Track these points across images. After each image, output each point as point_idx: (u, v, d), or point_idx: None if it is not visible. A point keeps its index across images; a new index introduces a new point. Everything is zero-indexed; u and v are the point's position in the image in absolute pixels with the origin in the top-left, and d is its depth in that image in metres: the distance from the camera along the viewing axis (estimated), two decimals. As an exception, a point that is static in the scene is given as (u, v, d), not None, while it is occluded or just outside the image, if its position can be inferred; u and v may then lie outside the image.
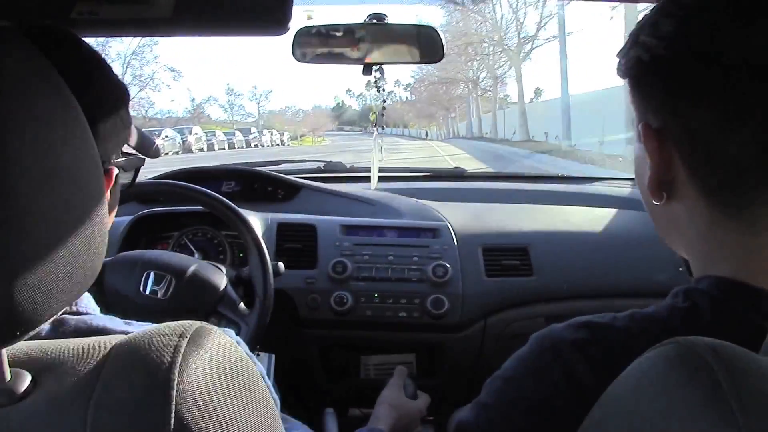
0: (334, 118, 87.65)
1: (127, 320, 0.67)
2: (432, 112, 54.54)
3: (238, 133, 37.94)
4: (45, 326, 0.61)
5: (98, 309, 0.70)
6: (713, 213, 0.58)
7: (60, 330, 0.62)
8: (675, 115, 0.57)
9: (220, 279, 1.36)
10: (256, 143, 38.15)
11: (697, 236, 0.60)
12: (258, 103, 69.45)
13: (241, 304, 1.37)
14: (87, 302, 0.68)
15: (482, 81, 39.41)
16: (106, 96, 0.69)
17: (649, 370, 0.43)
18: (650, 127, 0.60)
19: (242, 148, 34.49)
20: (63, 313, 0.63)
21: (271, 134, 44.81)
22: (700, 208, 0.58)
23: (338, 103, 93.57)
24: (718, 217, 0.57)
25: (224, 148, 32.01)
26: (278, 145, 42.31)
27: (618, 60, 0.64)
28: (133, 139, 0.81)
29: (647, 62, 0.59)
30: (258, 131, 43.55)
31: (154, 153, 0.92)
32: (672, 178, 0.60)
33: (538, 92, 49.50)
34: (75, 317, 0.64)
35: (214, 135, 34.12)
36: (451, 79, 41.26)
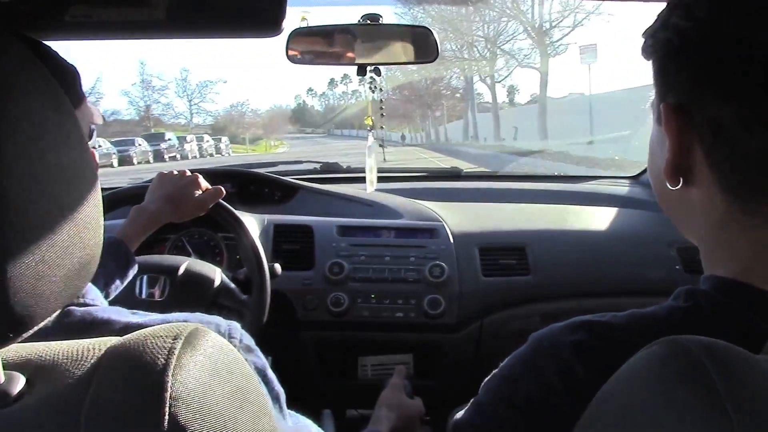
0: (294, 120, 77.12)
1: (134, 311, 0.68)
2: (408, 110, 42.72)
3: (140, 141, 25.99)
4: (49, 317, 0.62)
5: (106, 302, 0.71)
6: (730, 207, 0.56)
7: (65, 321, 0.63)
8: (700, 103, 0.56)
9: (214, 271, 1.37)
10: (174, 153, 27.62)
11: (711, 227, 0.59)
12: (189, 101, 51.01)
13: (239, 292, 1.38)
14: (94, 294, 0.69)
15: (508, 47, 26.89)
16: (73, 87, 0.70)
17: (642, 369, 0.43)
18: (672, 108, 0.58)
19: (148, 162, 23.35)
20: (69, 305, 0.64)
21: (201, 141, 33.69)
22: (717, 198, 0.57)
23: (299, 104, 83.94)
24: (734, 211, 0.56)
25: (111, 165, 20.44)
26: (211, 155, 32.53)
27: (644, 40, 0.62)
28: (97, 115, 0.81)
29: (677, 45, 0.57)
30: (177, 137, 31.24)
31: (101, 119, 0.92)
32: (690, 163, 0.58)
33: (512, 90, 40.84)
34: (81, 309, 0.65)
35: (97, 145, 21.08)
36: (445, 60, 29.64)
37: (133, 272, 1.13)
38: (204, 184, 1.33)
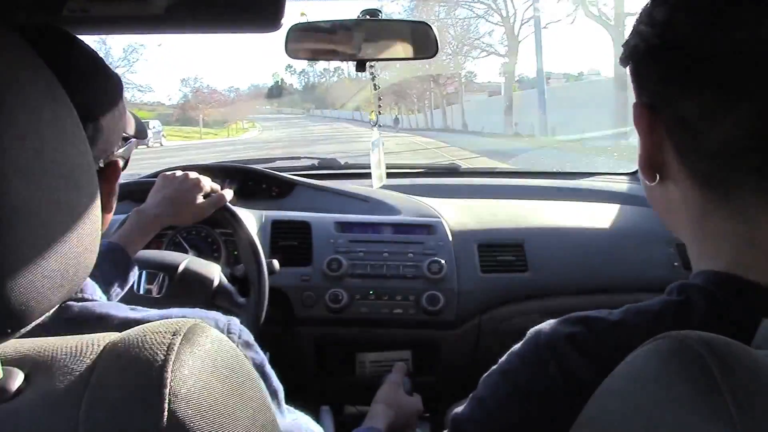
0: (270, 99, 69.95)
1: (133, 306, 0.68)
2: (404, 85, 31.32)
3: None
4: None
5: (104, 296, 0.70)
6: (704, 200, 0.59)
7: (63, 317, 0.63)
8: (666, 102, 0.59)
9: (214, 272, 1.36)
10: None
11: (692, 222, 0.61)
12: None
13: (237, 295, 1.37)
14: (92, 289, 0.69)
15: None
16: (104, 90, 0.69)
17: (642, 365, 0.43)
18: (643, 108, 0.61)
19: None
20: (67, 300, 0.64)
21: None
22: (692, 193, 0.59)
23: (277, 82, 75.79)
24: (709, 204, 0.58)
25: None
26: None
27: (623, 49, 0.65)
28: (131, 126, 0.81)
29: (643, 50, 0.60)
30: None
31: (146, 134, 0.92)
32: (664, 159, 0.61)
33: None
34: (79, 304, 0.65)
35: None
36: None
37: (133, 277, 1.13)
38: (207, 186, 1.32)
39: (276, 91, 73.87)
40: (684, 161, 0.59)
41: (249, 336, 0.72)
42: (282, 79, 75.99)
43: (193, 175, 1.31)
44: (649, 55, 0.60)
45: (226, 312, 1.32)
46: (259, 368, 0.71)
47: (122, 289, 1.09)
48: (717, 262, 0.58)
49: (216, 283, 1.35)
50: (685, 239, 0.64)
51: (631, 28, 0.63)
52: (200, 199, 1.29)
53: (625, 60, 0.64)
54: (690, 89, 0.56)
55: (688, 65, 0.56)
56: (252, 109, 58.78)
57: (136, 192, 1.30)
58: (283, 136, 30.09)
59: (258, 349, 0.72)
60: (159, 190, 1.28)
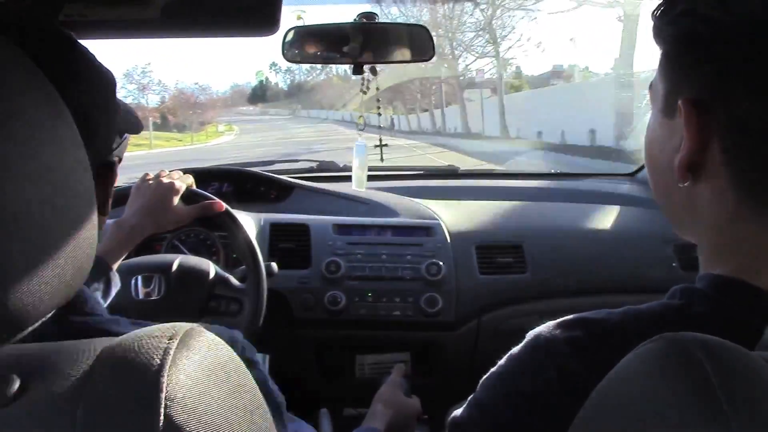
0: (253, 99, 64.88)
1: (135, 321, 0.67)
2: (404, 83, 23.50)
3: None
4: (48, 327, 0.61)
5: (106, 311, 0.70)
6: (740, 205, 0.55)
7: (64, 332, 0.62)
8: (726, 100, 0.53)
9: (207, 264, 1.37)
10: None
11: (716, 225, 0.58)
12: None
13: (235, 280, 1.37)
14: (94, 304, 0.67)
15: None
16: (97, 88, 0.67)
17: (638, 367, 0.43)
18: (692, 104, 0.55)
19: None
20: (69, 314, 0.63)
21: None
22: (728, 196, 0.55)
23: (261, 81, 70.80)
24: (744, 209, 0.55)
25: None
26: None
27: (659, 26, 0.59)
28: (123, 120, 0.79)
29: (705, 36, 0.54)
30: None
31: (139, 128, 0.90)
32: (705, 159, 0.56)
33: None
34: (80, 318, 0.64)
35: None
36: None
37: (115, 289, 1.09)
38: (182, 187, 1.25)
39: (259, 91, 69.76)
40: (733, 165, 0.54)
41: (252, 352, 0.72)
42: (266, 78, 71.88)
43: (166, 179, 1.25)
44: (710, 43, 0.53)
45: (228, 300, 1.33)
46: (262, 385, 0.70)
47: (105, 300, 1.07)
48: (730, 266, 0.56)
49: (212, 274, 1.35)
50: (699, 241, 0.61)
51: (679, 4, 0.56)
52: (176, 201, 1.24)
53: (667, 40, 0.58)
54: (763, 90, 0.51)
55: (762, 60, 0.51)
56: (228, 110, 55.42)
57: (120, 198, 1.28)
58: (273, 136, 28.02)
59: (261, 366, 0.71)
60: (134, 199, 1.23)
